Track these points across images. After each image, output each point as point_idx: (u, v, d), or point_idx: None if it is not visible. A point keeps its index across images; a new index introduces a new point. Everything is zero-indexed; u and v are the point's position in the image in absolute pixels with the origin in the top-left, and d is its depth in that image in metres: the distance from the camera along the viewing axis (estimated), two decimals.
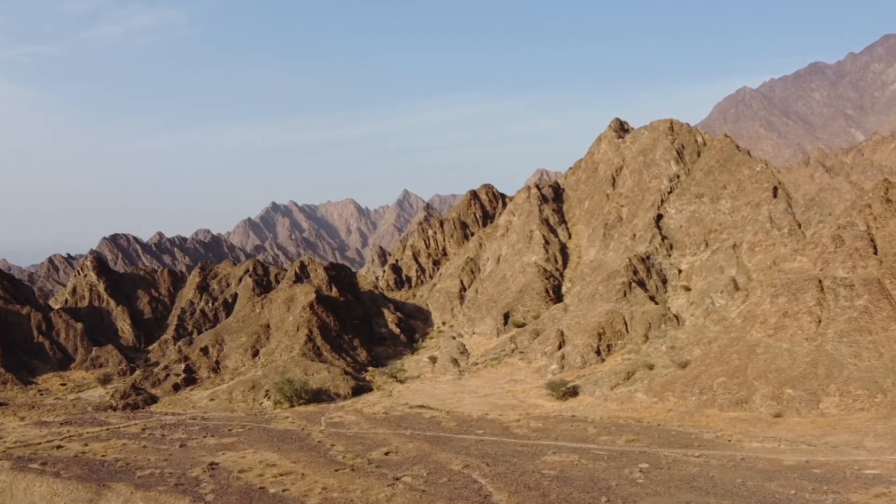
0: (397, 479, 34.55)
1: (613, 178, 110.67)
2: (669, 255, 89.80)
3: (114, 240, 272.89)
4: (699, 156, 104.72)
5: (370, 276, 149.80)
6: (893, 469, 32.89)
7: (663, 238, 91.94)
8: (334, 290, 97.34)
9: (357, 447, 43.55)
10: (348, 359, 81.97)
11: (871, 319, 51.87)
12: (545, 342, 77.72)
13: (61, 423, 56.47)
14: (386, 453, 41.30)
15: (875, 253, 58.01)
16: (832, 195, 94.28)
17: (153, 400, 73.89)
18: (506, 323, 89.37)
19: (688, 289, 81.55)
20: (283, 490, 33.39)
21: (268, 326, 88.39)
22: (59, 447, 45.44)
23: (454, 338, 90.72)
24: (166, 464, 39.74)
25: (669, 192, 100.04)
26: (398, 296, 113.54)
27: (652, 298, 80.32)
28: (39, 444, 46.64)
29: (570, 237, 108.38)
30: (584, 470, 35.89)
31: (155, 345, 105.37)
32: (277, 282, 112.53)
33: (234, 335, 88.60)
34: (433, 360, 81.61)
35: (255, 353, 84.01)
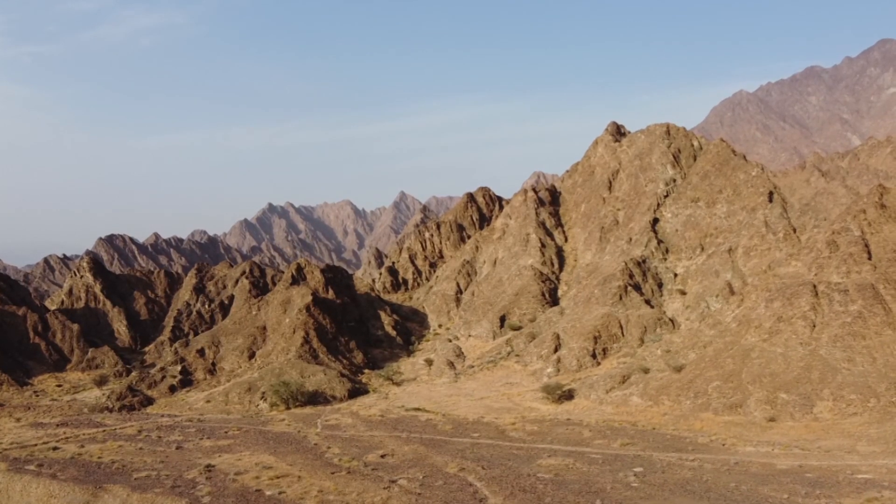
0: (393, 481, 34.68)
1: (610, 182, 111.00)
2: (665, 259, 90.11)
3: (110, 240, 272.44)
4: (695, 160, 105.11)
5: (366, 278, 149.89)
6: (886, 474, 33.15)
7: (659, 242, 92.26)
8: (331, 292, 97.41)
9: (353, 450, 43.64)
10: (344, 361, 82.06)
11: (864, 324, 52.20)
12: (541, 345, 77.94)
13: (57, 425, 56.47)
14: (382, 456, 41.41)
15: (869, 258, 58.36)
16: (828, 199, 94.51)
17: (149, 402, 73.87)
18: (502, 326, 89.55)
19: (683, 293, 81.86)
20: (280, 493, 33.48)
21: (264, 328, 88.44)
22: (55, 449, 45.44)
23: (450, 340, 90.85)
24: (163, 466, 39.80)
25: (665, 196, 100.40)
26: (394, 298, 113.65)
27: (647, 302, 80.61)
28: (35, 445, 46.63)
29: (566, 240, 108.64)
30: (578, 473, 36.07)
31: (151, 346, 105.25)
32: (274, 284, 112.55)
33: (231, 337, 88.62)
34: (429, 362, 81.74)
35: (252, 355, 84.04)
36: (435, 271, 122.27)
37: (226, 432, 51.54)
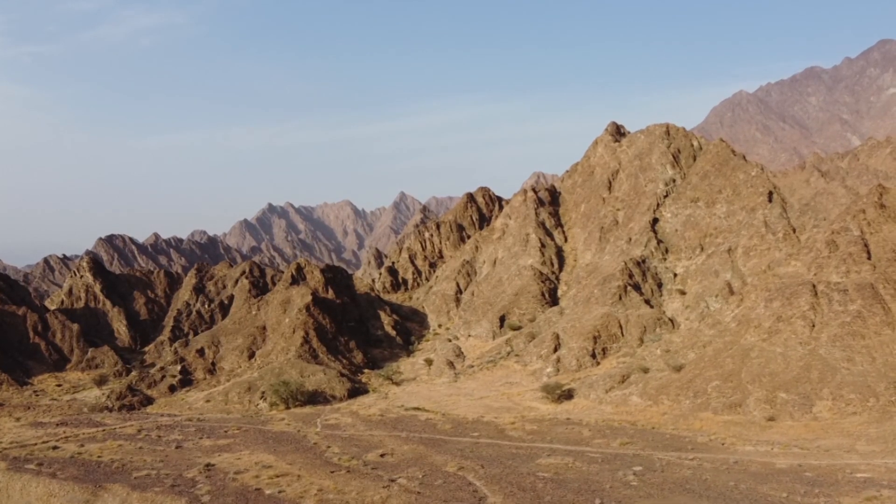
0: (393, 480, 34.72)
1: (609, 182, 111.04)
2: (665, 259, 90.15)
3: (110, 240, 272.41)
4: (695, 160, 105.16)
5: (366, 278, 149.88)
6: (885, 473, 33.19)
7: (659, 242, 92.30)
8: (330, 292, 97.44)
9: (353, 449, 43.70)
10: (344, 361, 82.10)
11: (864, 324, 52.24)
12: (541, 345, 77.97)
13: (57, 424, 56.50)
14: (381, 455, 41.46)
15: (868, 258, 58.41)
16: (827, 199, 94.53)
17: (149, 401, 73.90)
18: (501, 326, 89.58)
19: (683, 293, 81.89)
20: (279, 491, 33.53)
21: (264, 328, 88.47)
22: (55, 448, 45.50)
23: (450, 340, 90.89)
24: (162, 465, 39.85)
25: (665, 196, 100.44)
26: (394, 298, 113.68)
27: (647, 302, 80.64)
28: (35, 444, 46.69)
29: (566, 240, 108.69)
30: (578, 472, 36.11)
31: (151, 346, 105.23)
32: (274, 284, 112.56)
33: (231, 337, 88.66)
34: (429, 362, 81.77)
35: (251, 355, 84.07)
36: (435, 271, 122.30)
37: (225, 432, 51.59)
